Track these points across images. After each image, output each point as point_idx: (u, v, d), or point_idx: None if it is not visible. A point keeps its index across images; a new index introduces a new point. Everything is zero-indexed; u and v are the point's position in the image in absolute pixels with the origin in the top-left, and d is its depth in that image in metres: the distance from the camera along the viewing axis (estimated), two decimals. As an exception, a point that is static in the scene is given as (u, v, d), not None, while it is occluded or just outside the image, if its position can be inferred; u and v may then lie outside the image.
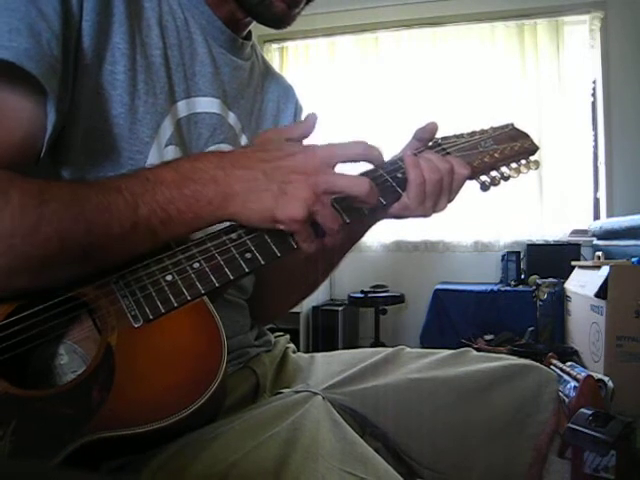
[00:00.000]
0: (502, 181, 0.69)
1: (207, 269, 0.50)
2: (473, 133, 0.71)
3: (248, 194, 0.48)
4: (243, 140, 0.72)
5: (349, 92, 3.41)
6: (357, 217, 0.55)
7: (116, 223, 0.45)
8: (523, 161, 0.71)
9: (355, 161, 0.52)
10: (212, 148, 0.67)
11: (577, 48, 3.16)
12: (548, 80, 3.11)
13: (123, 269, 0.49)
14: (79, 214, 0.44)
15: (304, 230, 0.49)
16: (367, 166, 0.62)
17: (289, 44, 3.58)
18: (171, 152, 0.61)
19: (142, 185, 0.47)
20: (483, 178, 0.68)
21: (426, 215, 0.63)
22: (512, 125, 0.74)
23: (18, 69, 0.45)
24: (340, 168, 0.52)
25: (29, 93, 0.47)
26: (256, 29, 0.73)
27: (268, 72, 0.81)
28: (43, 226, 0.43)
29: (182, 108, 0.63)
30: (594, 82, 3.13)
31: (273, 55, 3.60)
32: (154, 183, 0.47)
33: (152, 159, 0.58)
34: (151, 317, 0.48)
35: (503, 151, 0.69)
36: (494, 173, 0.69)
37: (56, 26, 0.49)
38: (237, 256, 0.51)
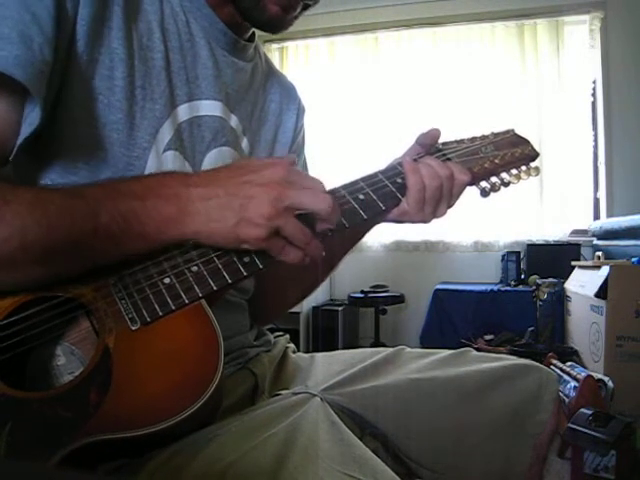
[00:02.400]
0: (502, 187, 0.69)
1: (205, 272, 0.50)
2: (474, 138, 0.71)
3: (209, 213, 0.48)
4: (244, 142, 0.72)
5: (349, 92, 3.40)
6: (337, 229, 0.54)
7: (77, 228, 0.46)
8: (523, 167, 0.71)
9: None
10: (214, 151, 0.67)
11: (577, 48, 3.15)
12: (548, 80, 3.11)
13: (121, 271, 0.49)
14: (41, 216, 0.45)
15: (273, 246, 0.49)
16: (366, 171, 0.62)
17: (289, 44, 3.57)
18: (170, 157, 0.61)
19: (106, 193, 0.48)
20: (483, 184, 0.68)
21: (425, 221, 0.63)
22: (513, 131, 0.74)
23: (5, 76, 0.46)
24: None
25: (10, 97, 0.48)
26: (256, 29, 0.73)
27: (271, 72, 0.81)
28: (3, 226, 0.43)
29: (183, 112, 0.63)
30: (594, 82, 3.12)
31: (273, 55, 3.59)
32: (118, 192, 0.48)
33: (150, 164, 0.58)
34: (149, 320, 0.47)
35: (503, 157, 0.69)
36: (494, 179, 0.69)
37: (49, 29, 0.49)
38: (235, 260, 0.51)
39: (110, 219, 0.46)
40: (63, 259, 0.47)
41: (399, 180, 0.61)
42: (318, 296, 3.12)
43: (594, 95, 3.13)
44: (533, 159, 0.72)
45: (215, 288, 0.49)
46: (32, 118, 0.49)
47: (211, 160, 0.66)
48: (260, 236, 0.48)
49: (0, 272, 0.45)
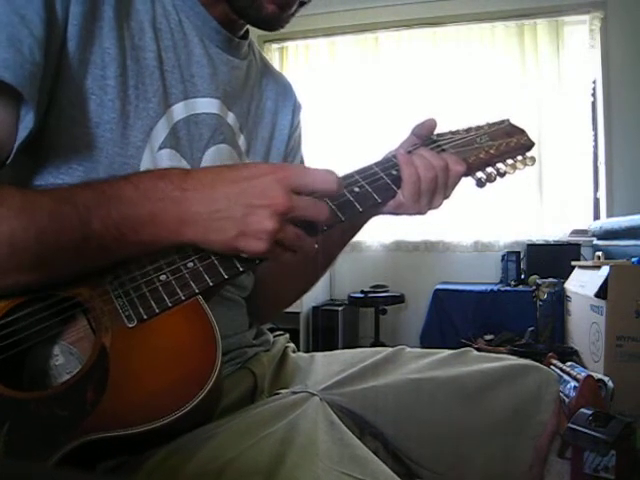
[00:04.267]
0: (498, 177, 0.69)
1: (201, 268, 0.50)
2: (469, 129, 0.71)
3: (208, 222, 0.47)
4: (241, 140, 0.72)
5: (349, 92, 3.40)
6: (334, 224, 0.55)
7: (67, 235, 0.45)
8: (519, 157, 0.71)
9: (318, 192, 0.51)
10: (212, 149, 0.67)
11: (577, 48, 3.15)
12: (548, 80, 3.11)
13: (117, 269, 0.49)
14: (30, 221, 0.44)
15: (270, 254, 0.49)
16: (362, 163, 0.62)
17: (289, 44, 3.57)
18: (165, 155, 0.61)
19: (97, 198, 0.46)
20: (479, 174, 0.68)
21: (421, 212, 0.63)
22: (508, 121, 0.74)
23: None
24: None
25: (5, 101, 0.47)
26: (256, 29, 0.73)
27: (266, 70, 0.80)
28: None
29: (179, 110, 0.63)
30: (594, 82, 3.12)
31: (273, 55, 3.60)
32: (110, 198, 0.46)
33: (145, 163, 0.58)
34: (145, 317, 0.47)
35: (499, 147, 0.68)
36: (490, 169, 0.69)
37: (39, 31, 0.49)
38: (232, 256, 0.51)
39: (102, 227, 0.45)
40: (52, 265, 0.46)
41: (394, 172, 0.61)
42: (318, 296, 3.12)
43: (594, 95, 3.13)
44: (529, 149, 0.72)
45: (211, 284, 0.49)
46: (27, 121, 0.48)
47: (210, 157, 0.66)
48: (261, 250, 0.47)
49: None
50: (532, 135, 0.73)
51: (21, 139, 0.48)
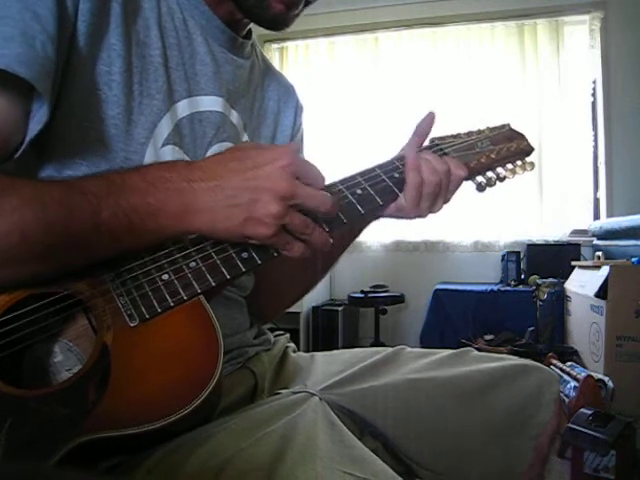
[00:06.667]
0: (498, 182, 0.69)
1: (203, 268, 0.50)
2: (470, 133, 0.72)
3: (214, 211, 0.48)
4: (245, 138, 0.72)
5: (349, 92, 3.41)
6: (336, 225, 0.54)
7: (77, 224, 0.45)
8: (519, 162, 0.71)
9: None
10: (216, 146, 0.67)
11: (577, 48, 3.16)
12: (548, 80, 3.11)
13: (119, 267, 0.49)
14: (40, 211, 0.44)
15: (279, 241, 0.50)
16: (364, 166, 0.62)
17: (289, 44, 3.58)
18: (169, 152, 0.61)
19: (107, 188, 0.47)
20: (479, 179, 0.69)
21: (422, 216, 0.63)
22: (508, 126, 0.74)
23: (9, 74, 0.45)
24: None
25: (12, 95, 0.47)
26: (256, 29, 0.73)
27: (268, 71, 0.81)
28: (3, 220, 0.43)
29: (183, 108, 0.63)
30: (594, 82, 3.13)
31: (273, 55, 3.60)
32: (120, 187, 0.47)
33: (148, 159, 0.58)
34: (147, 316, 0.47)
35: (499, 152, 0.69)
36: (490, 174, 0.69)
37: (51, 27, 0.49)
38: (234, 255, 0.51)
39: (111, 215, 0.46)
40: (62, 254, 0.46)
41: (396, 175, 0.61)
42: (318, 296, 3.12)
43: (594, 95, 3.13)
44: (528, 154, 0.72)
45: (214, 284, 0.49)
46: (40, 116, 0.48)
47: None
48: (268, 234, 0.48)
49: (2, 266, 0.44)
50: (532, 135, 0.73)
51: (34, 133, 0.48)
